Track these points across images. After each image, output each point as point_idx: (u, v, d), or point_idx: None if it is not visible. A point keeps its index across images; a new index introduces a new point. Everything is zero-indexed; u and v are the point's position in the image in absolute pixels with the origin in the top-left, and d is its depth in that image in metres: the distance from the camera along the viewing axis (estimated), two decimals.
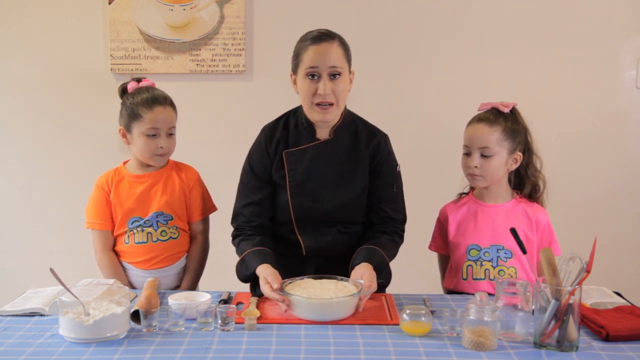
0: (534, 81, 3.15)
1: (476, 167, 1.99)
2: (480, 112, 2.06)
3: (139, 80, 2.15)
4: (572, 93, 3.16)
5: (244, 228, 2.05)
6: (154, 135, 2.08)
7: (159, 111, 2.07)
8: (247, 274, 1.95)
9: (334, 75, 1.90)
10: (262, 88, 3.16)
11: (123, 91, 2.15)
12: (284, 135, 2.04)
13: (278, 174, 2.02)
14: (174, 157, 2.24)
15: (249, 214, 2.04)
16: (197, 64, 3.16)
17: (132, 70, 3.14)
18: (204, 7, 3.12)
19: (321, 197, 2.00)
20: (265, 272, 1.84)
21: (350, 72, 1.97)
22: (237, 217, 2.08)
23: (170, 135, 2.12)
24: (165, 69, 3.15)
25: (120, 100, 2.15)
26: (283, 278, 1.86)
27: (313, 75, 1.90)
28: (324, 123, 1.98)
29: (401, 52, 3.18)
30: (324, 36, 1.92)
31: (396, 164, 2.07)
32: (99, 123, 3.12)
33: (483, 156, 1.99)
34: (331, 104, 1.92)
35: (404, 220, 2.09)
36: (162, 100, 2.10)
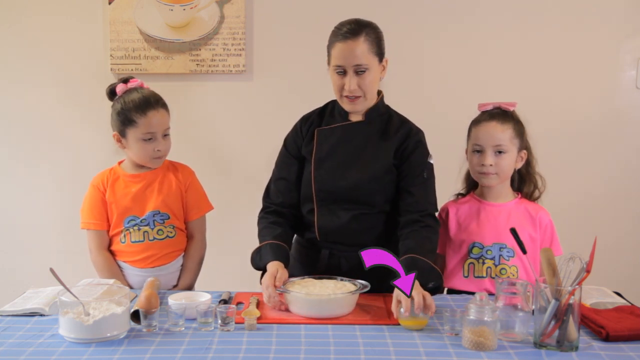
0: (533, 81, 3.15)
1: (491, 165, 1.99)
2: (483, 111, 2.06)
3: (126, 81, 2.13)
4: (572, 93, 3.16)
5: (270, 207, 2.09)
6: (150, 139, 2.07)
7: (152, 115, 2.06)
8: (260, 265, 1.97)
9: (360, 72, 1.94)
10: (262, 88, 3.16)
11: (111, 93, 2.13)
12: (319, 118, 2.11)
13: (307, 148, 2.07)
14: (171, 156, 2.24)
15: (277, 189, 2.10)
16: (197, 64, 3.15)
17: (132, 70, 3.14)
18: (204, 7, 3.12)
19: (339, 173, 2.01)
20: (274, 269, 1.86)
21: (380, 62, 2.00)
22: (267, 193, 2.14)
23: (166, 136, 2.12)
24: (165, 69, 3.15)
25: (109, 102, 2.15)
26: (297, 270, 1.94)
27: (341, 72, 1.96)
28: (355, 112, 2.05)
29: (401, 52, 3.18)
30: (348, 33, 1.95)
31: (427, 154, 2.05)
32: (99, 123, 3.11)
33: (497, 154, 1.99)
34: (359, 97, 1.98)
35: (435, 206, 2.04)
36: (155, 103, 2.08)
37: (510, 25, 3.14)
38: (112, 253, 2.17)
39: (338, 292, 1.76)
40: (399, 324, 1.67)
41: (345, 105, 2.02)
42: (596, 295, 1.88)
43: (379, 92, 2.09)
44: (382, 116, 2.07)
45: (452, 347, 1.53)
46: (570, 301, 1.50)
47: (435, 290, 1.88)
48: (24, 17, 3.17)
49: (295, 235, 2.15)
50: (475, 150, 2.04)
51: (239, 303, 1.85)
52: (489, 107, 2.06)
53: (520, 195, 2.08)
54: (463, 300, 1.90)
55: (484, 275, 2.01)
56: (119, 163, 2.20)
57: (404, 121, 2.09)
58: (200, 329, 1.64)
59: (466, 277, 2.03)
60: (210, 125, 3.22)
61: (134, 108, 2.06)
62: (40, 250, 3.25)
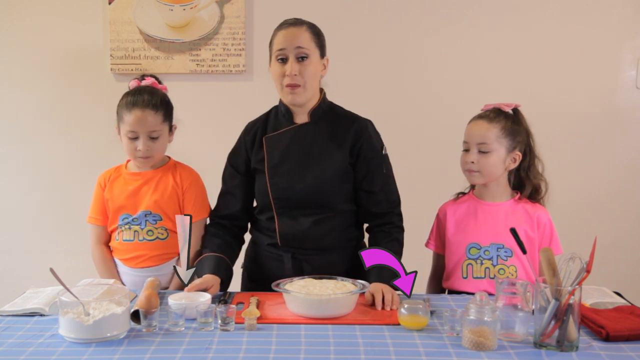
0: (534, 81, 3.15)
1: (473, 162, 2.00)
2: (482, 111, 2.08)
3: (142, 79, 2.17)
4: (572, 93, 3.17)
5: (214, 219, 2.14)
6: (133, 137, 2.09)
7: (136, 114, 2.06)
8: (200, 276, 1.95)
9: (301, 58, 1.96)
10: (262, 88, 3.15)
11: (128, 87, 2.17)
12: (263, 125, 2.12)
13: (257, 158, 2.08)
14: (176, 157, 2.24)
15: (220, 204, 2.14)
16: (197, 64, 3.16)
17: (132, 70, 3.14)
18: (204, 7, 3.12)
19: (296, 176, 2.02)
20: (201, 281, 1.86)
21: (322, 58, 2.03)
22: (215, 207, 2.17)
23: (153, 138, 2.09)
24: (165, 69, 3.15)
25: None
26: (261, 276, 2.01)
27: (283, 59, 1.98)
28: (298, 107, 2.05)
29: (403, 52, 3.19)
30: (291, 21, 2.02)
31: (381, 146, 2.08)
32: (100, 123, 3.12)
33: (481, 152, 2.00)
34: (298, 86, 1.98)
35: (398, 201, 2.10)
36: (142, 104, 2.07)
37: (509, 24, 3.14)
38: (111, 249, 2.19)
39: (338, 292, 1.76)
40: (399, 324, 1.67)
41: (286, 96, 2.01)
42: (596, 295, 1.88)
43: (321, 90, 2.09)
44: (327, 113, 2.08)
45: (452, 347, 1.53)
46: (570, 301, 1.50)
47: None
48: (24, 17, 3.18)
49: (254, 239, 2.17)
50: (464, 149, 2.06)
51: (239, 303, 1.85)
52: (491, 108, 2.07)
53: (519, 195, 2.08)
54: (463, 300, 1.90)
55: (483, 276, 2.01)
56: (127, 161, 2.22)
57: (351, 117, 2.09)
58: (200, 329, 1.64)
59: (465, 278, 2.03)
60: (210, 125, 3.22)
61: (125, 104, 2.09)
62: (40, 250, 3.26)
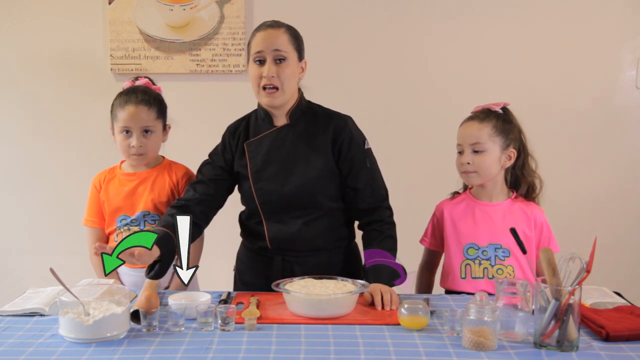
0: (533, 81, 3.15)
1: (469, 163, 2.00)
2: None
3: (136, 79, 2.17)
4: (572, 93, 3.17)
5: (178, 203, 2.02)
6: (127, 132, 2.09)
7: (129, 109, 2.08)
8: None
9: (279, 60, 1.95)
10: None
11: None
12: (245, 129, 2.10)
13: (240, 163, 2.06)
14: (172, 156, 2.24)
15: (189, 189, 2.05)
16: (197, 64, 3.16)
17: (132, 70, 3.15)
18: (204, 7, 3.12)
19: (281, 179, 2.00)
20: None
21: (300, 60, 2.01)
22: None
23: (147, 134, 2.10)
24: (165, 69, 3.15)
25: None
26: (253, 279, 2.01)
27: (260, 61, 1.97)
28: (275, 109, 2.03)
29: (402, 51, 3.19)
30: (269, 23, 2.01)
31: (363, 141, 2.06)
32: (100, 123, 3.11)
33: (475, 152, 2.00)
34: (276, 88, 1.96)
35: (386, 195, 2.08)
36: (135, 99, 2.09)
37: (509, 24, 3.14)
38: None
39: (338, 292, 1.76)
40: (399, 324, 1.67)
41: (263, 99, 1.99)
42: (596, 295, 1.88)
43: (299, 91, 2.08)
44: (306, 114, 2.06)
45: (452, 347, 1.53)
46: (570, 301, 1.50)
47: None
48: (24, 17, 3.18)
49: (244, 242, 2.16)
50: (458, 152, 2.06)
51: (239, 303, 1.85)
52: (480, 109, 2.08)
53: (515, 195, 2.08)
54: (463, 300, 1.90)
55: (481, 276, 2.01)
56: (121, 162, 2.21)
57: (330, 115, 2.08)
58: (200, 329, 1.64)
59: (463, 278, 2.03)
60: (210, 125, 3.21)
61: (118, 102, 2.11)
62: (40, 250, 3.26)
